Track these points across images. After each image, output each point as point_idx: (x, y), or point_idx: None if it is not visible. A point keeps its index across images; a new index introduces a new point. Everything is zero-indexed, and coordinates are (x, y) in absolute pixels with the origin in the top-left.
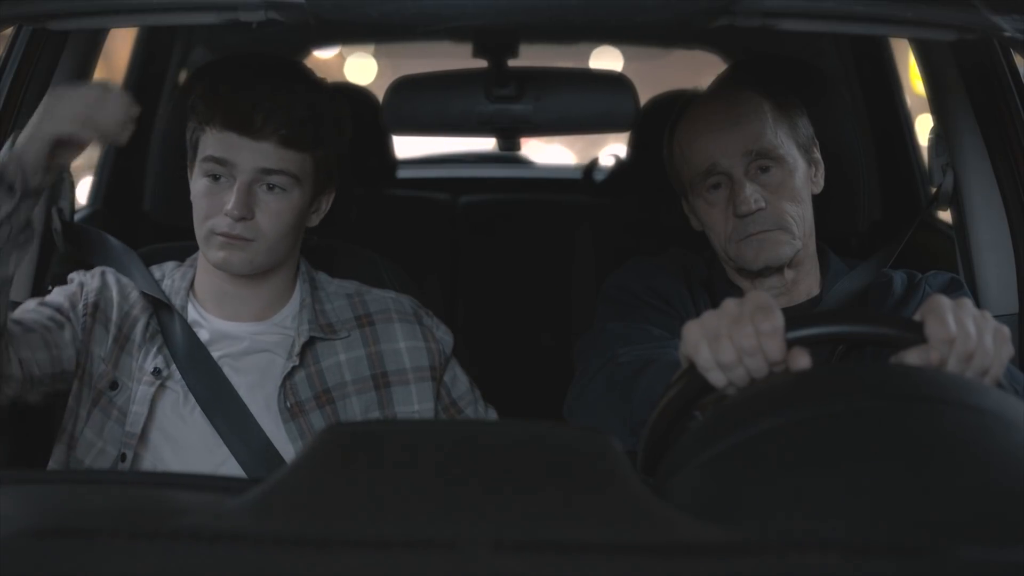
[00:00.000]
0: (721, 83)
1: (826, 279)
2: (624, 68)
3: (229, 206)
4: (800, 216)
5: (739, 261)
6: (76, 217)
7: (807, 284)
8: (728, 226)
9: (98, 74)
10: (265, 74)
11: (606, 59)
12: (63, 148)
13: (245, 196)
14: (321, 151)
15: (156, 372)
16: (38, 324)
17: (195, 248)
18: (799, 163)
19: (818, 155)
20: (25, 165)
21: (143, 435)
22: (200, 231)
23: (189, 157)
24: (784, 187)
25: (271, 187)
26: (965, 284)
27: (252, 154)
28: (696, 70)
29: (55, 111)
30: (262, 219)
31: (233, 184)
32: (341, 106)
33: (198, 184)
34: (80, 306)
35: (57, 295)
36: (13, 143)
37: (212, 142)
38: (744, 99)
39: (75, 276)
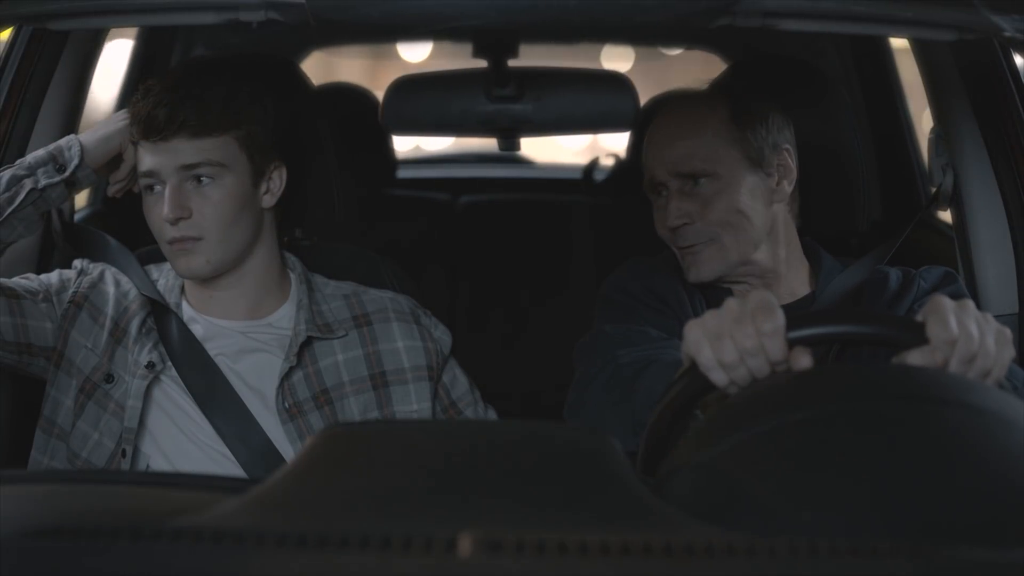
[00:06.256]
0: (686, 92)
1: (819, 279)
2: (634, 66)
3: (164, 212)
4: (736, 228)
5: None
6: (76, 217)
7: (788, 286)
8: (667, 234)
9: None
10: (175, 75)
11: (616, 61)
12: (123, 161)
13: (176, 197)
14: (243, 129)
15: (150, 366)
16: (13, 290)
17: None
18: (743, 177)
19: (787, 161)
20: (86, 155)
21: (143, 431)
22: (161, 248)
23: None
24: (718, 200)
25: (200, 180)
26: (960, 278)
27: (168, 155)
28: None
29: None
30: (202, 214)
31: (165, 190)
32: (258, 81)
33: (144, 204)
34: (69, 292)
35: (52, 274)
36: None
37: (140, 157)
38: (690, 114)
39: (78, 263)
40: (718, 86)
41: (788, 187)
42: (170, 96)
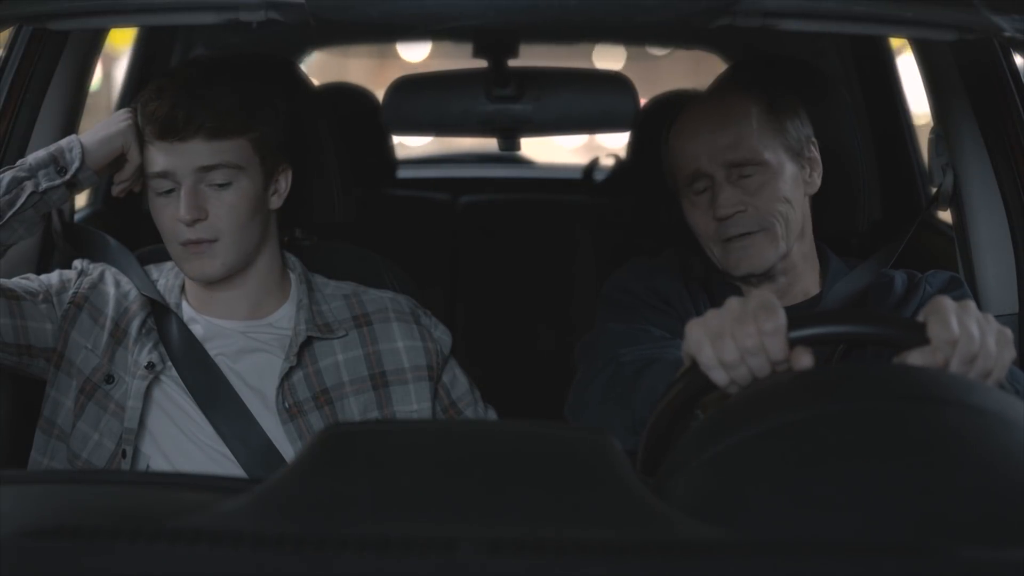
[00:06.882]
0: (717, 85)
1: (826, 279)
2: (625, 66)
3: (180, 213)
4: (785, 217)
5: (723, 265)
6: (76, 217)
7: (803, 285)
8: (710, 228)
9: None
10: (186, 75)
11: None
12: (127, 162)
13: (193, 199)
14: (257, 132)
15: (150, 366)
16: (13, 291)
17: None
18: (786, 166)
19: (814, 154)
20: (87, 157)
21: (143, 431)
22: (171, 250)
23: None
24: (766, 189)
25: (216, 183)
26: (965, 282)
27: (185, 157)
28: (697, 70)
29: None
30: (217, 216)
31: (180, 192)
32: (271, 84)
33: (153, 204)
34: (69, 292)
35: (52, 275)
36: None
37: (152, 157)
38: (732, 104)
39: (78, 263)
40: (750, 79)
41: (817, 180)
42: (187, 97)
